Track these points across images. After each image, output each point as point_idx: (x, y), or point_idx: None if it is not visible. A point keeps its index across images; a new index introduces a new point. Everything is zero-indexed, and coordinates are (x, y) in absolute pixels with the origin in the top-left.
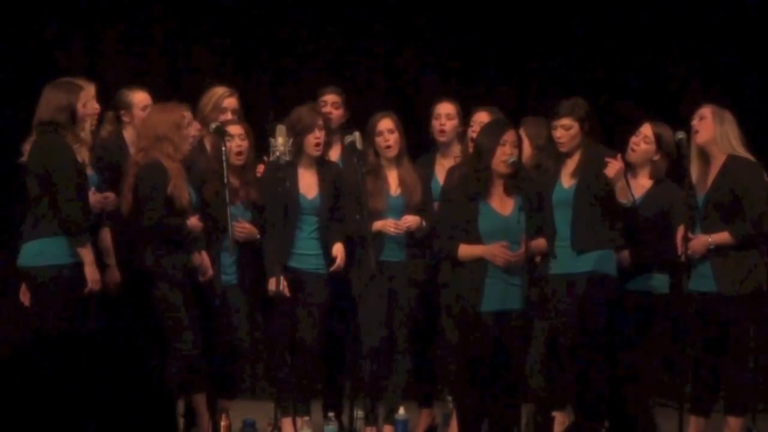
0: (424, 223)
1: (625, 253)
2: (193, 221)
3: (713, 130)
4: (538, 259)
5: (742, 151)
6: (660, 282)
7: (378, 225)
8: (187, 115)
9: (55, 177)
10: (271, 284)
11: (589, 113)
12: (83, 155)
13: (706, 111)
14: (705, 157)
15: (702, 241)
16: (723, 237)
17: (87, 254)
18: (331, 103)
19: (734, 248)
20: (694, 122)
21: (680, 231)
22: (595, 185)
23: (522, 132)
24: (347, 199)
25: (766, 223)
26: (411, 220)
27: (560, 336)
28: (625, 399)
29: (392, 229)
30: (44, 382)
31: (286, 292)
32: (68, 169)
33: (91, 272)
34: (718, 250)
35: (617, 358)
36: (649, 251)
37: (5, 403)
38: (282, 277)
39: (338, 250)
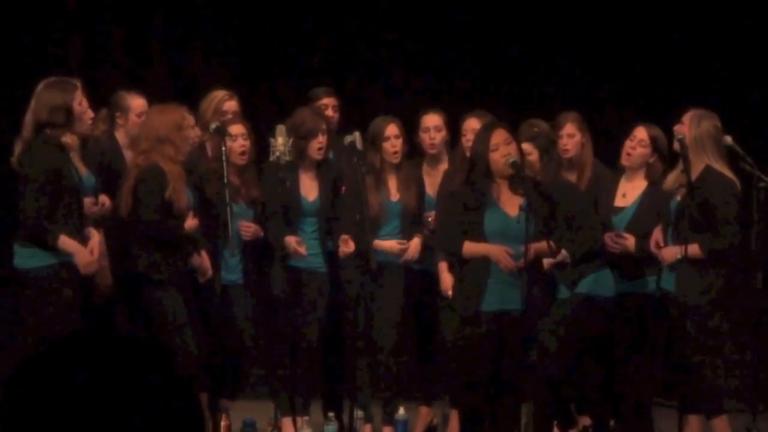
0: (422, 238)
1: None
2: (189, 222)
3: (689, 135)
4: (545, 263)
5: (715, 162)
6: (651, 282)
7: (385, 247)
8: (189, 117)
9: (27, 181)
10: (288, 243)
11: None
12: (76, 156)
13: (686, 117)
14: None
15: (672, 252)
16: (693, 250)
17: (67, 246)
18: (331, 106)
19: (702, 261)
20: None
21: (656, 233)
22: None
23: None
24: (347, 199)
25: (735, 240)
26: (414, 250)
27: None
28: (626, 400)
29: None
30: (75, 381)
31: (302, 251)
32: (39, 174)
33: (81, 259)
34: (685, 260)
35: (620, 360)
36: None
37: (34, 406)
38: (294, 238)
39: (349, 246)
